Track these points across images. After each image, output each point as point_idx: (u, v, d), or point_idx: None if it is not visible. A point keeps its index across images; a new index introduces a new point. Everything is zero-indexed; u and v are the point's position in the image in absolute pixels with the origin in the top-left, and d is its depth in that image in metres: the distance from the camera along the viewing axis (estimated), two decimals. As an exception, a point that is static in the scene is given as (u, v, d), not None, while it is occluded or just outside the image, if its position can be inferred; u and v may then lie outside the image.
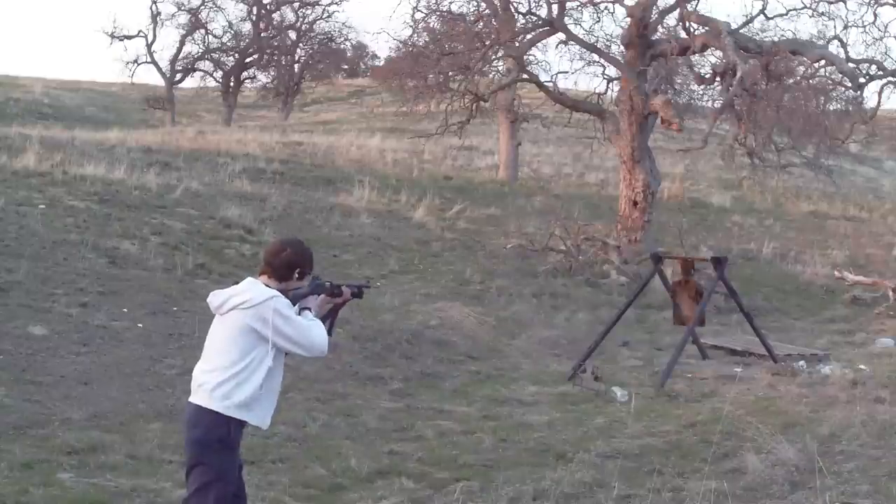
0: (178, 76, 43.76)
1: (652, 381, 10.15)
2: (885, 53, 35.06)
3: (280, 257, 4.52)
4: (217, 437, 4.34)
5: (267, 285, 4.46)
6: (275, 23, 45.11)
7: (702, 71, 19.42)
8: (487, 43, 19.38)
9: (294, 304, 4.46)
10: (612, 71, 19.69)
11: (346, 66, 53.76)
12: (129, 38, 42.82)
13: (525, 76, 19.60)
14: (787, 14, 18.78)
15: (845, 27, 18.71)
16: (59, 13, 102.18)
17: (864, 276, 16.81)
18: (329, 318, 4.77)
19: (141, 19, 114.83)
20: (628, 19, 17.82)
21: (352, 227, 17.21)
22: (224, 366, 4.35)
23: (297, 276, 4.53)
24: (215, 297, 4.47)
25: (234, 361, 4.34)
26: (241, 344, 4.35)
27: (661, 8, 18.28)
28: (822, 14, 18.75)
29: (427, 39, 21.51)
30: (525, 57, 19.85)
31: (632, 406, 8.52)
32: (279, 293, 4.40)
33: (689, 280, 10.97)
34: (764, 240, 19.69)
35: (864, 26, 19.10)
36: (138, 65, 42.92)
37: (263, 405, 4.43)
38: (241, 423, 4.41)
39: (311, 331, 4.42)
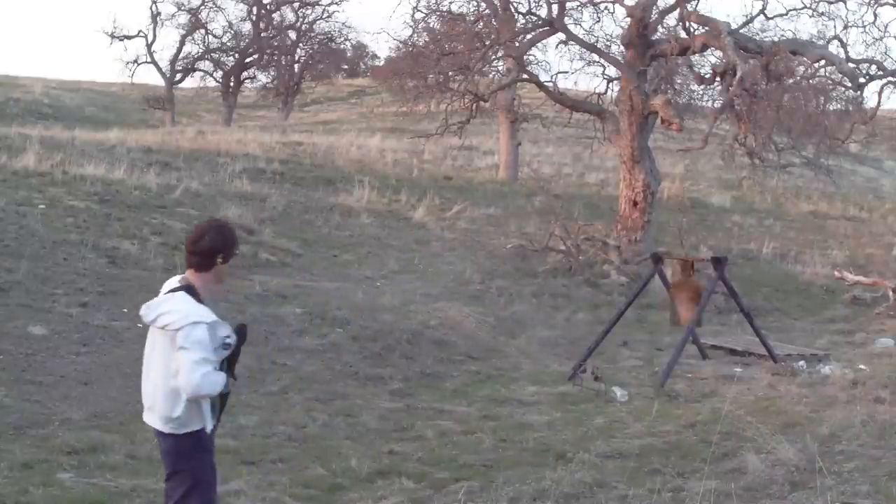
0: (178, 76, 43.77)
1: (652, 381, 10.15)
2: (885, 53, 35.16)
3: (199, 246, 4.32)
4: (189, 445, 4.30)
5: (191, 285, 4.30)
6: (275, 23, 45.12)
7: (702, 71, 19.41)
8: (487, 43, 19.37)
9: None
10: (612, 71, 19.70)
11: (346, 66, 53.79)
12: (129, 38, 42.89)
13: (525, 76, 19.57)
14: (787, 14, 18.78)
15: (845, 27, 18.71)
16: (59, 13, 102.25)
17: (864, 276, 16.81)
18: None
19: (141, 19, 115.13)
20: (628, 19, 17.81)
21: (352, 227, 17.21)
22: (159, 384, 4.29)
23: (220, 261, 4.34)
24: (149, 311, 4.31)
25: (166, 378, 4.25)
26: (171, 362, 4.23)
27: (661, 8, 18.27)
28: (822, 14, 18.75)
29: (427, 39, 21.51)
30: (525, 57, 19.83)
31: (634, 406, 8.51)
32: (203, 318, 4.18)
33: (688, 280, 10.94)
34: (764, 240, 19.68)
35: (864, 26, 19.11)
36: (138, 65, 43.02)
37: (201, 410, 4.29)
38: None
39: (194, 371, 4.13)
